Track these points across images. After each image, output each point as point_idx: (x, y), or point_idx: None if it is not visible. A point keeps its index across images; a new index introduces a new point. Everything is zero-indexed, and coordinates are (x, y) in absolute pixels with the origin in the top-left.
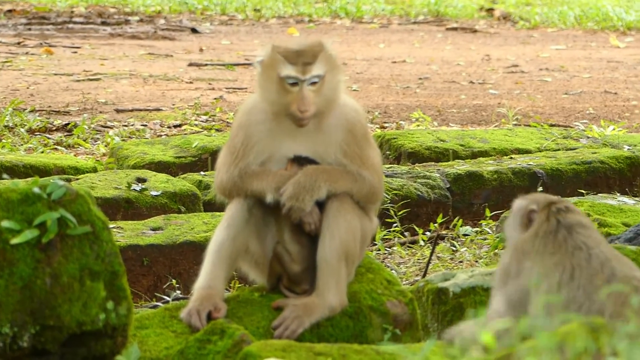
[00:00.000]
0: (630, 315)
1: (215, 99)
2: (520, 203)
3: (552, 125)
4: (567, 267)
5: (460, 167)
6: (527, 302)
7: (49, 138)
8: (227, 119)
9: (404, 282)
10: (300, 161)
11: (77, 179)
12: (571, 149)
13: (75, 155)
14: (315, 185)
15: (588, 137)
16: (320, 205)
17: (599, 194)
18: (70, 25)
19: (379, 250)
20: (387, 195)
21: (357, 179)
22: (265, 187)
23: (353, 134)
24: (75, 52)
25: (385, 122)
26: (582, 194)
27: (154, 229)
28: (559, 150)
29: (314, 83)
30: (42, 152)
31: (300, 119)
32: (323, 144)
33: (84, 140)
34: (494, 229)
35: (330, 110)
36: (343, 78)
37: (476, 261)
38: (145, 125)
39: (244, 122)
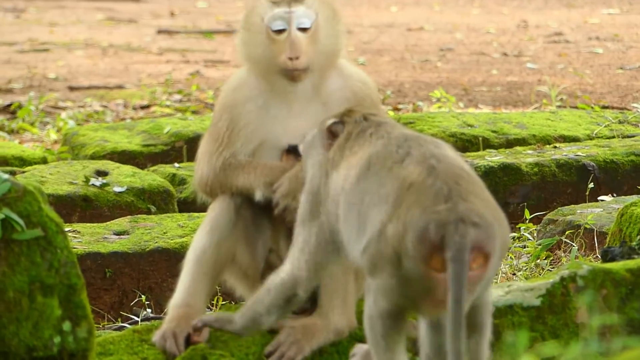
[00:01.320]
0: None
1: (190, 74)
2: (310, 134)
3: (604, 107)
4: (364, 158)
5: (493, 158)
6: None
7: None
8: (206, 98)
9: None
10: (297, 152)
11: (24, 172)
12: (629, 137)
13: (20, 143)
14: None
15: None
16: None
17: None
18: None
19: None
20: None
21: None
22: (254, 182)
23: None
24: (18, 17)
25: (399, 103)
26: None
27: (118, 234)
28: (613, 137)
29: (304, 29)
30: None
31: (291, 69)
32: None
33: (31, 125)
34: (536, 234)
35: (328, 68)
36: (343, 28)
37: (514, 274)
38: (106, 107)
39: (229, 101)
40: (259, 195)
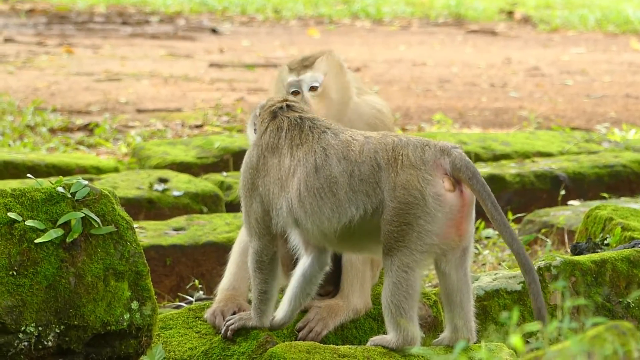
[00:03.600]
0: None
1: (236, 99)
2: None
3: (573, 129)
4: (318, 151)
5: (482, 169)
6: (281, 193)
7: (70, 137)
8: (248, 119)
9: (427, 285)
10: None
11: (100, 179)
12: (593, 153)
13: (97, 155)
14: None
15: (610, 141)
16: None
17: (622, 198)
18: (91, 25)
19: None
20: None
21: None
22: None
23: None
24: (96, 52)
25: (406, 124)
26: (605, 198)
27: (176, 230)
28: (581, 153)
29: (314, 88)
30: (64, 151)
31: None
32: None
33: (106, 140)
34: (517, 232)
35: (343, 112)
36: (351, 79)
37: (499, 264)
38: (167, 126)
39: None
40: None
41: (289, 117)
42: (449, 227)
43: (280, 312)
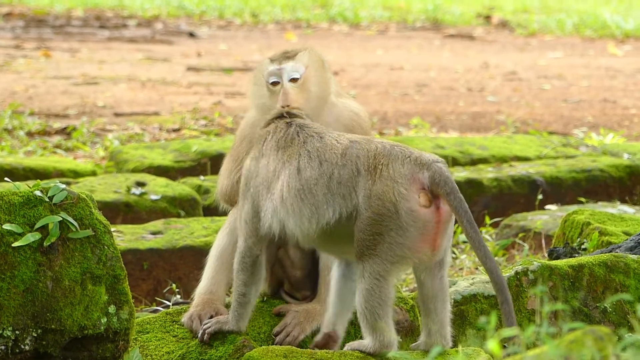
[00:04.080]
0: None
1: (214, 103)
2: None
3: (551, 133)
4: (302, 154)
5: (460, 174)
6: (268, 194)
7: (48, 141)
8: (226, 123)
9: (405, 289)
10: None
11: (77, 183)
12: (571, 157)
13: (74, 159)
14: None
15: (587, 146)
16: None
17: (599, 202)
18: (68, 29)
19: None
20: None
21: None
22: None
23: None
24: (73, 56)
25: (384, 129)
26: (582, 202)
27: (153, 233)
28: (558, 158)
29: (294, 79)
30: (42, 155)
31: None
32: None
33: (83, 144)
34: (494, 236)
35: (321, 108)
36: (331, 76)
37: (476, 268)
38: (144, 130)
39: (248, 134)
40: None
41: (280, 122)
42: (422, 241)
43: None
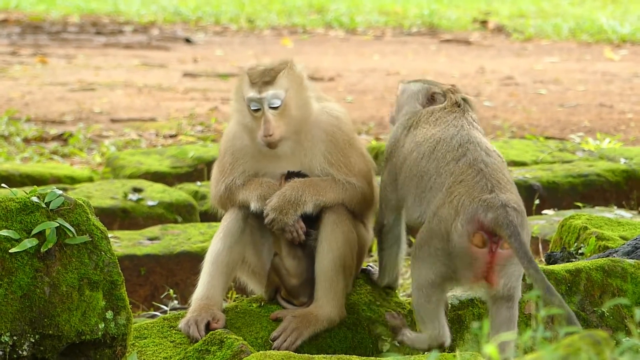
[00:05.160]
0: None
1: (210, 109)
2: (418, 85)
3: (547, 138)
4: (434, 140)
5: None
6: (402, 168)
7: (44, 147)
8: (222, 129)
9: (402, 294)
10: (292, 177)
11: (74, 189)
12: (567, 162)
13: (71, 165)
14: (301, 199)
15: (584, 150)
16: (317, 216)
17: (596, 207)
18: (64, 35)
19: (376, 261)
20: None
21: (347, 188)
22: (249, 196)
23: (334, 143)
24: (70, 62)
25: (380, 134)
26: (579, 207)
27: (150, 239)
28: (555, 162)
29: (275, 107)
30: (38, 161)
31: (267, 144)
32: (307, 157)
33: (80, 150)
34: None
35: (303, 127)
36: (312, 94)
37: None
38: (141, 136)
39: (229, 147)
40: (253, 206)
41: (455, 101)
42: (472, 275)
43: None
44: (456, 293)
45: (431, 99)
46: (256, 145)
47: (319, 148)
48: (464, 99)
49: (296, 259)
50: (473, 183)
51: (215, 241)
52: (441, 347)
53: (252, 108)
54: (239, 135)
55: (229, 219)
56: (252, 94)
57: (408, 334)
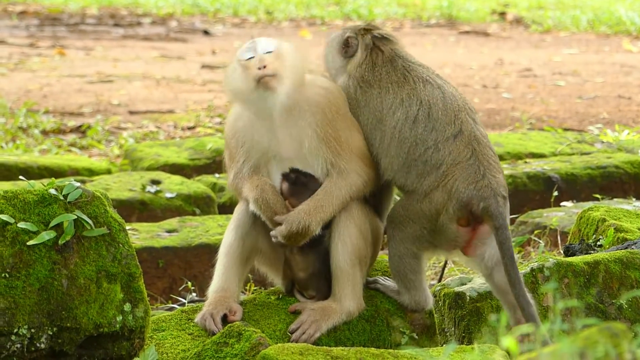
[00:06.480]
0: None
1: (228, 101)
2: (334, 33)
3: (566, 130)
4: (424, 103)
5: None
6: (379, 128)
7: (62, 139)
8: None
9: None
10: (291, 178)
11: (92, 181)
12: (586, 154)
13: (89, 157)
14: (309, 229)
15: (602, 142)
16: None
17: (614, 199)
18: (83, 27)
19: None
20: None
21: (347, 182)
22: (248, 195)
23: (324, 114)
24: (88, 54)
25: None
26: (598, 199)
27: (169, 231)
28: (573, 154)
29: (269, 52)
30: (56, 153)
31: (261, 76)
32: (297, 130)
33: (98, 142)
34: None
35: (298, 82)
36: (307, 56)
37: None
38: (159, 127)
39: (231, 131)
40: (251, 207)
41: (380, 51)
42: (452, 247)
43: None
44: (474, 285)
45: (346, 44)
46: (252, 104)
47: (309, 120)
48: (378, 36)
49: (304, 254)
50: (467, 166)
51: (227, 233)
52: (423, 311)
53: (245, 58)
54: (240, 118)
55: (240, 211)
56: (245, 45)
57: (382, 281)
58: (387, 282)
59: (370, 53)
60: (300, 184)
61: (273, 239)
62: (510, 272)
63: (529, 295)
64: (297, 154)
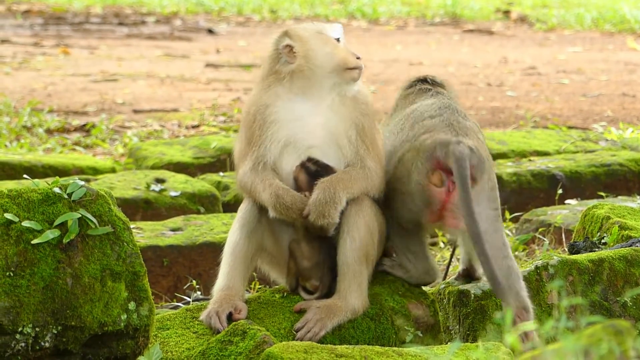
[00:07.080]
0: None
1: (233, 99)
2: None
3: (570, 128)
4: (413, 107)
5: None
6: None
7: (67, 138)
8: None
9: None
10: (307, 167)
11: (96, 179)
12: (590, 152)
13: (93, 156)
14: (337, 197)
15: (607, 140)
16: None
17: (619, 197)
18: (87, 26)
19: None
20: None
21: (368, 175)
22: (267, 201)
23: (368, 114)
24: (92, 53)
25: None
26: (602, 197)
27: (173, 230)
28: (577, 152)
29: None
30: (61, 152)
31: (356, 66)
32: (337, 120)
33: (102, 141)
34: (514, 231)
35: (324, 67)
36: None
37: None
38: (163, 126)
39: (253, 109)
40: (271, 214)
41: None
42: (430, 214)
43: None
44: (478, 283)
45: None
46: (331, 76)
47: (352, 114)
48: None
49: (310, 242)
50: (439, 130)
51: (232, 232)
52: (429, 284)
53: (335, 37)
54: (268, 94)
55: (244, 209)
56: (331, 25)
57: (387, 262)
58: (393, 262)
59: None
60: (318, 175)
61: (303, 220)
62: (469, 224)
63: (496, 267)
64: (323, 143)
